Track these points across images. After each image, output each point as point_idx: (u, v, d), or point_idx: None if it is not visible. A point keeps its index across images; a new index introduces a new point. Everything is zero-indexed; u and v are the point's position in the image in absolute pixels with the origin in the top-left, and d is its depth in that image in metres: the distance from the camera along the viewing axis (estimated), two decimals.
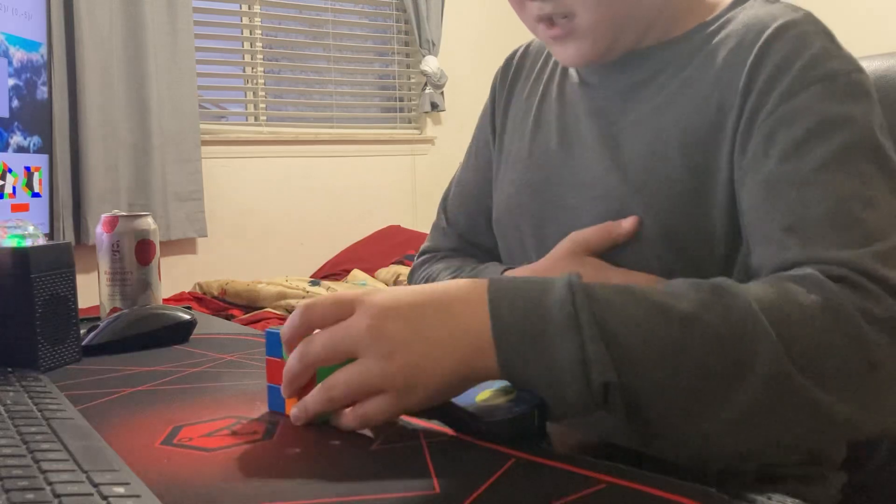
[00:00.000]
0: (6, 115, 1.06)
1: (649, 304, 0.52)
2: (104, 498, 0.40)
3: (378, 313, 0.52)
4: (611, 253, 0.72)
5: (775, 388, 0.51)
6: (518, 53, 0.93)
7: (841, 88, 0.64)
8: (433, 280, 0.90)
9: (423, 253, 0.98)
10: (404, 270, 2.94)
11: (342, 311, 0.53)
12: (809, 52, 0.65)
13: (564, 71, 0.85)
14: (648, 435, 0.53)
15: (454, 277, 0.85)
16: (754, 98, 0.66)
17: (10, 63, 1.06)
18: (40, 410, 0.56)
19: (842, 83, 0.64)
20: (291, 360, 0.54)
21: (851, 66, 0.66)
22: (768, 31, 0.68)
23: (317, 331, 0.54)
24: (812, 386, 0.51)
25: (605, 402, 0.50)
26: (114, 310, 0.96)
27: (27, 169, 1.11)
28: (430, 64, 3.55)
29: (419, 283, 0.87)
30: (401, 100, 3.76)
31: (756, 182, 0.64)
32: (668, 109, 0.72)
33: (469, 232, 0.95)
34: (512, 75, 0.91)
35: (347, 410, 0.54)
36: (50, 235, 1.16)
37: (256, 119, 3.36)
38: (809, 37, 0.66)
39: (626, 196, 0.72)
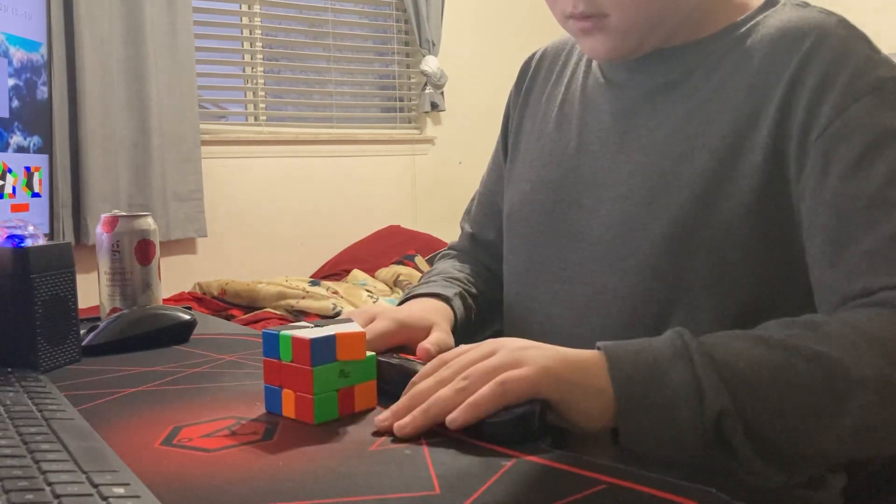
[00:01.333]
0: (6, 115, 1.06)
1: (749, 338, 0.57)
2: (104, 498, 0.40)
3: (504, 340, 0.60)
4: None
5: (885, 392, 0.53)
6: (536, 57, 0.93)
7: (891, 97, 0.64)
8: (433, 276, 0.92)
9: (447, 249, 1.02)
10: (404, 270, 2.94)
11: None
12: (853, 62, 0.65)
13: (588, 72, 0.84)
14: (769, 463, 0.55)
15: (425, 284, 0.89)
16: (802, 113, 0.65)
17: (10, 63, 1.06)
18: (40, 411, 0.56)
19: (890, 91, 0.64)
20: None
21: (894, 71, 0.65)
22: (807, 43, 0.67)
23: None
24: None
25: (718, 432, 0.53)
26: (114, 310, 0.96)
27: (27, 169, 1.11)
28: (430, 64, 3.55)
29: (432, 276, 0.91)
30: (401, 100, 3.75)
31: (819, 202, 0.64)
32: (699, 113, 0.71)
33: (479, 232, 0.98)
34: (529, 79, 0.92)
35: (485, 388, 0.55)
36: (50, 235, 1.16)
37: (256, 119, 3.36)
38: (849, 44, 0.66)
39: (649, 197, 0.72)
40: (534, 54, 0.94)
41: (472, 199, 1.00)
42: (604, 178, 0.76)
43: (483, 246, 0.96)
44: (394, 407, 0.57)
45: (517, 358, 0.56)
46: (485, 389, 0.53)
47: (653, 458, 0.54)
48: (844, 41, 0.66)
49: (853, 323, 0.57)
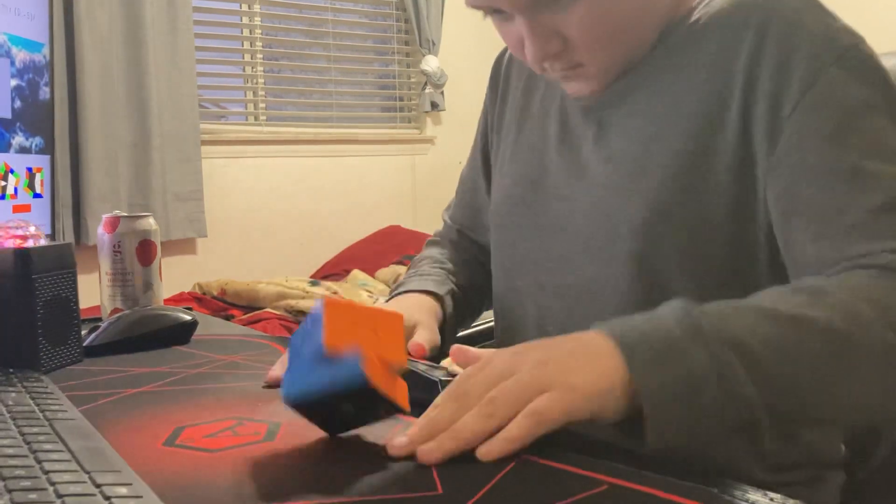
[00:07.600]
0: (8, 115, 1.06)
1: (756, 311, 0.55)
2: (107, 498, 0.40)
3: (518, 349, 0.54)
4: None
5: (889, 361, 0.54)
6: (507, 56, 0.93)
7: (855, 67, 0.64)
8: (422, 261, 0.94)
9: (433, 237, 1.03)
10: (404, 270, 2.92)
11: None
12: (811, 32, 0.65)
13: None
14: (778, 439, 0.57)
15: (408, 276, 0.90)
16: (770, 84, 0.66)
17: (12, 63, 1.07)
18: (42, 411, 0.56)
19: (854, 61, 0.64)
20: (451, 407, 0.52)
21: (854, 39, 0.66)
22: (761, 14, 0.67)
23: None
24: None
25: (739, 418, 0.51)
26: (115, 310, 0.96)
27: (29, 170, 1.11)
28: (430, 63, 3.55)
29: (422, 267, 0.92)
30: (401, 99, 3.75)
31: (797, 177, 0.64)
32: (662, 96, 0.72)
33: (466, 227, 0.99)
34: (503, 79, 0.92)
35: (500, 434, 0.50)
36: (51, 236, 1.16)
37: (256, 119, 3.36)
38: (803, 14, 0.66)
39: (626, 183, 0.72)
40: (504, 53, 0.94)
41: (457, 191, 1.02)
42: (582, 169, 0.77)
43: (466, 237, 0.98)
44: (410, 432, 0.51)
45: (540, 379, 0.51)
46: (519, 424, 0.49)
47: (664, 448, 0.50)
48: (798, 11, 0.66)
49: (854, 287, 0.57)
